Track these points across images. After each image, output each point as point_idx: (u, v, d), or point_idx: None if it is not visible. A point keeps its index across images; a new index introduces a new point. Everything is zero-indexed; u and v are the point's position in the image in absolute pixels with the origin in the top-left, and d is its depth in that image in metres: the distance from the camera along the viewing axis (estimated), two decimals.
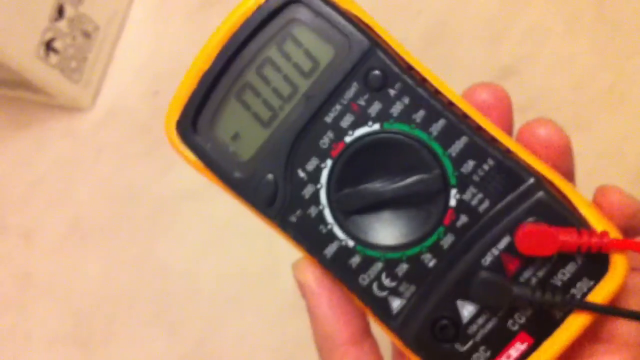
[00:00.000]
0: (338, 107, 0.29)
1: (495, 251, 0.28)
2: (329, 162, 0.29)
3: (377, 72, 0.28)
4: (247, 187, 0.30)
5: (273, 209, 0.30)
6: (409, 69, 0.29)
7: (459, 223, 0.28)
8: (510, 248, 0.28)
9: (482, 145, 0.28)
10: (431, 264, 0.29)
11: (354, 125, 0.29)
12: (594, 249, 0.27)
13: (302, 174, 0.29)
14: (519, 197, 0.28)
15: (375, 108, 0.29)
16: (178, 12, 0.70)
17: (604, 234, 0.27)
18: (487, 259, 0.28)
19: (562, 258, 0.28)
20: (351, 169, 0.29)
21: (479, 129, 0.29)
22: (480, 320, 0.29)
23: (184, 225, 0.65)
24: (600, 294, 0.28)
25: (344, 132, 0.29)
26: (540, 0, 0.63)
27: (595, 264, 0.28)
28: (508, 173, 0.28)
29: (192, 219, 0.65)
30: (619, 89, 0.61)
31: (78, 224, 0.66)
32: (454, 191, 0.28)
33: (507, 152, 0.28)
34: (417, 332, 0.29)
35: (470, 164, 0.28)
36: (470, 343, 0.29)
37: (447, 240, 0.29)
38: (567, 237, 0.27)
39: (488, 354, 0.29)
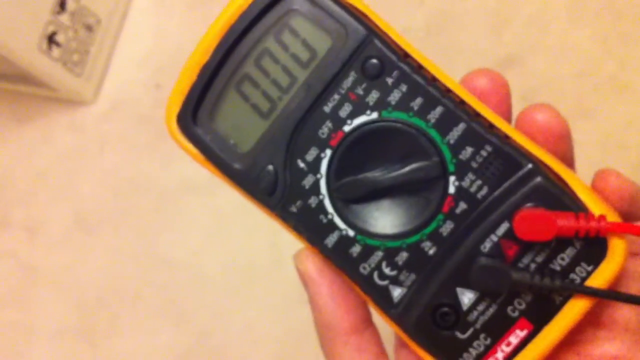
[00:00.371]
0: (336, 96, 0.29)
1: (494, 237, 0.28)
2: (328, 152, 0.29)
3: (374, 60, 0.28)
4: (248, 178, 0.30)
5: (273, 200, 0.30)
6: (405, 56, 0.29)
7: (458, 210, 0.29)
8: (509, 234, 0.28)
9: (480, 131, 0.28)
10: (431, 251, 0.29)
11: (353, 115, 0.29)
12: (592, 233, 0.27)
13: (301, 164, 0.29)
14: (517, 182, 0.28)
15: (373, 97, 0.29)
16: (179, 3, 0.70)
17: (602, 217, 0.27)
18: (487, 245, 0.28)
19: (561, 243, 0.28)
20: (350, 158, 0.29)
21: (476, 115, 0.29)
22: (480, 307, 0.29)
23: (188, 217, 0.65)
24: (600, 278, 0.28)
25: (343, 122, 0.29)
26: None
27: (594, 248, 0.28)
28: (506, 159, 0.28)
29: (196, 211, 0.65)
30: (622, 77, 0.61)
31: (82, 217, 0.67)
32: (452, 178, 0.29)
33: (505, 138, 0.28)
34: (417, 320, 0.29)
35: (469, 150, 0.28)
36: (470, 330, 0.29)
37: (447, 228, 0.29)
38: (565, 222, 0.27)
39: (488, 341, 0.29)
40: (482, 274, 0.28)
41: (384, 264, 0.29)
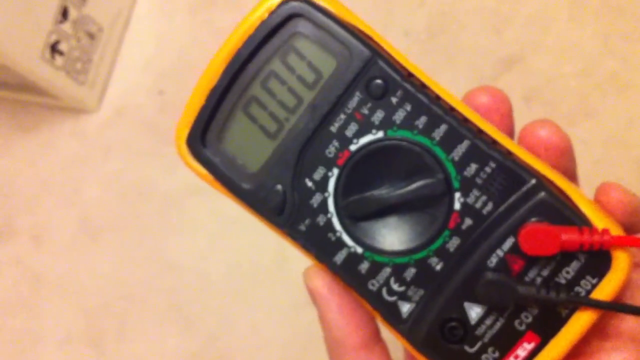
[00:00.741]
0: (342, 116, 0.29)
1: (500, 252, 0.29)
2: (335, 171, 0.30)
3: (378, 80, 0.29)
4: (256, 197, 0.30)
5: (282, 219, 0.30)
6: (409, 76, 0.29)
7: (464, 226, 0.29)
8: (515, 249, 0.28)
9: (483, 148, 0.29)
10: (438, 267, 0.29)
11: (359, 134, 0.29)
12: (596, 246, 0.27)
13: (309, 183, 0.30)
14: (522, 198, 0.29)
15: (378, 116, 0.29)
16: (181, 10, 0.70)
17: (606, 231, 0.28)
18: (493, 260, 0.29)
19: (566, 257, 0.28)
20: (357, 176, 0.30)
21: (480, 132, 0.29)
22: (487, 321, 0.29)
23: (193, 222, 0.65)
24: (604, 290, 0.28)
25: (349, 141, 0.29)
26: None
27: (598, 262, 0.28)
28: (510, 175, 0.29)
29: (201, 215, 0.65)
30: (623, 75, 0.61)
31: (87, 223, 0.67)
32: (457, 194, 0.29)
33: (509, 154, 0.29)
34: (426, 335, 0.29)
35: (473, 167, 0.29)
36: (478, 344, 0.29)
37: (453, 243, 0.29)
38: (570, 236, 0.27)
39: (496, 354, 0.29)
40: (488, 288, 0.28)
41: (392, 280, 0.30)
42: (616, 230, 0.28)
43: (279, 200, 0.30)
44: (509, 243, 0.29)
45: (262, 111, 0.30)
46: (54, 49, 0.61)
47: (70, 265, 0.67)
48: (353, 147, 0.29)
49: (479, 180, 0.29)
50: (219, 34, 0.30)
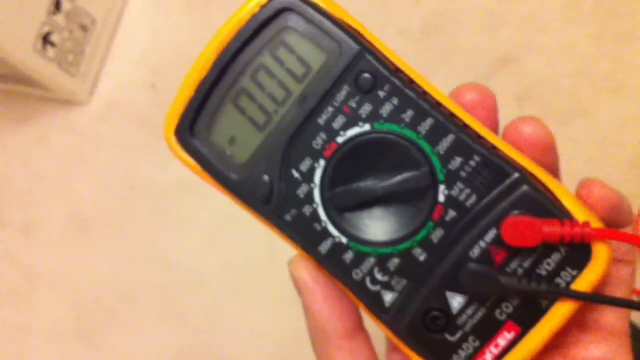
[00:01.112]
0: (330, 109, 0.30)
1: (482, 244, 0.29)
2: (322, 162, 0.30)
3: (367, 75, 0.29)
4: (244, 188, 0.31)
5: (269, 209, 0.31)
6: (397, 71, 0.30)
7: (448, 218, 0.29)
8: (497, 240, 0.29)
9: (468, 142, 0.29)
10: (422, 258, 0.30)
11: (346, 127, 0.30)
12: (576, 239, 0.28)
13: (296, 174, 0.30)
14: (505, 191, 0.29)
15: (365, 109, 0.30)
16: (175, 4, 0.70)
17: (587, 224, 0.28)
18: (475, 252, 0.29)
19: (547, 249, 0.29)
20: (344, 168, 0.30)
21: (465, 127, 0.30)
22: (469, 311, 0.30)
23: (185, 217, 0.66)
24: (584, 282, 0.29)
25: (337, 133, 0.30)
26: None
27: (578, 254, 0.29)
28: (494, 169, 0.29)
29: (193, 211, 0.66)
30: (617, 76, 0.61)
31: (79, 217, 0.67)
32: (442, 187, 0.29)
33: (493, 148, 0.29)
34: (409, 324, 0.30)
35: (458, 160, 0.29)
36: (460, 333, 0.30)
37: (437, 235, 0.30)
38: (551, 228, 0.28)
39: (477, 343, 0.30)
40: (471, 279, 0.29)
41: (376, 270, 0.30)
42: (597, 224, 0.29)
43: (266, 191, 0.30)
44: (491, 235, 0.29)
45: (251, 103, 0.30)
46: (46, 40, 0.62)
47: (61, 258, 0.67)
48: (340, 140, 0.30)
49: (463, 174, 0.29)
50: (214, 30, 0.30)
